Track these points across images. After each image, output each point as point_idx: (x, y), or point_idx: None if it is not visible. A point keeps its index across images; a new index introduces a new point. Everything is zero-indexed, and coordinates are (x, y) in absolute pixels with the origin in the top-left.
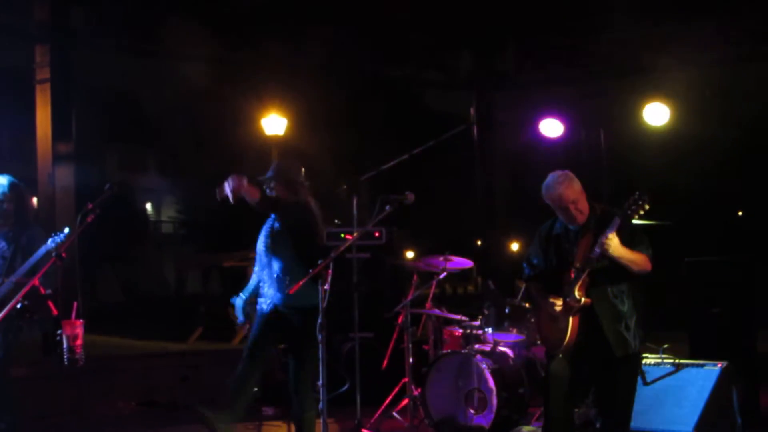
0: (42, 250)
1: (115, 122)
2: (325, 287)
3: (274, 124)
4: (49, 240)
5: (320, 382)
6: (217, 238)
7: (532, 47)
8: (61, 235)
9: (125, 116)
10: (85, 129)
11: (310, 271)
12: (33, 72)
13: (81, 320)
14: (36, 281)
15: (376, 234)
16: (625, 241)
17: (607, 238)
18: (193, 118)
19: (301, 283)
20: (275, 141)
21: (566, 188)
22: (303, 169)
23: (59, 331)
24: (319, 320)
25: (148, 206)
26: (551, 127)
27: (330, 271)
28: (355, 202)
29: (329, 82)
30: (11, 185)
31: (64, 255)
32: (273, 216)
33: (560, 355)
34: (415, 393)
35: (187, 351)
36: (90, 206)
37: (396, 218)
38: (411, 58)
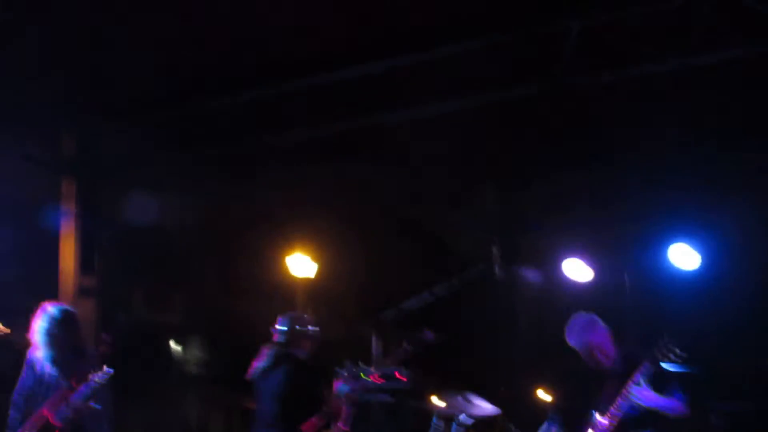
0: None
1: (141, 259)
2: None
3: (299, 264)
4: (92, 377)
5: None
6: (242, 379)
7: (557, 188)
8: (104, 374)
9: (152, 253)
10: (110, 264)
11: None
12: (59, 204)
13: None
14: (46, 412)
15: (400, 377)
16: (656, 386)
17: (635, 384)
18: (220, 256)
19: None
20: (301, 281)
21: (591, 332)
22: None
23: None
24: None
25: (173, 344)
26: (576, 269)
27: (348, 411)
28: (374, 341)
29: (356, 222)
30: (59, 313)
31: (75, 387)
32: None
33: None
34: None
35: None
36: (104, 337)
37: (422, 360)
38: (434, 198)
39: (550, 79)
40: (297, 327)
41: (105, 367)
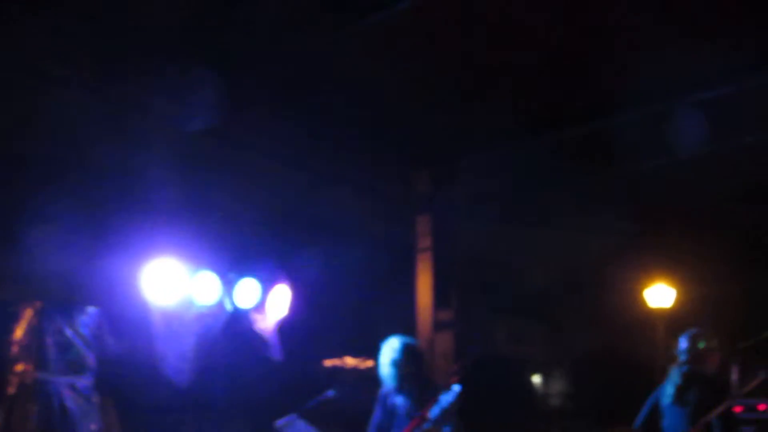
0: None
1: (500, 295)
2: None
3: (659, 295)
4: (441, 397)
5: None
6: (607, 412)
7: None
8: (453, 393)
9: (510, 289)
10: (468, 300)
11: None
12: (414, 242)
13: None
14: None
15: (760, 407)
16: None
17: None
18: (578, 290)
19: None
20: (660, 313)
21: None
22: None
23: None
24: None
25: (536, 379)
26: None
27: None
28: (733, 370)
29: (714, 250)
30: (404, 347)
31: (425, 415)
32: None
33: None
34: None
35: None
36: (455, 367)
37: None
38: None
39: None
40: (700, 344)
41: (453, 387)
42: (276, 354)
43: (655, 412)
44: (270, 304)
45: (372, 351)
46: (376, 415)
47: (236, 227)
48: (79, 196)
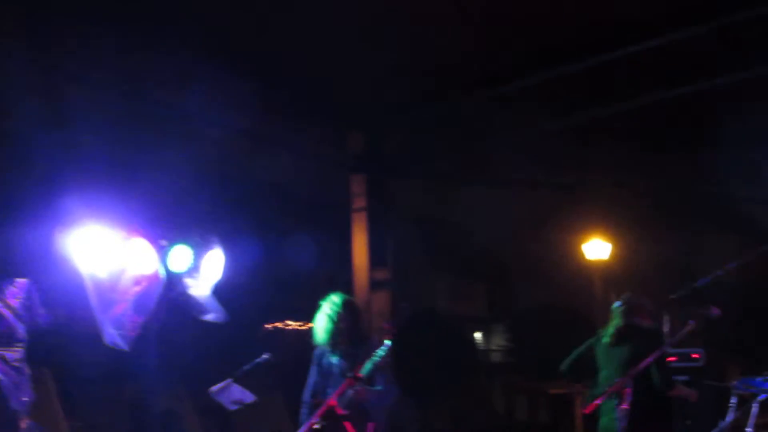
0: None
1: (439, 252)
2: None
3: (596, 249)
4: (375, 353)
5: None
6: (545, 366)
7: None
8: (383, 350)
9: (449, 246)
10: (407, 259)
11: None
12: (349, 202)
13: None
14: (333, 401)
15: (694, 356)
16: None
17: None
18: (517, 245)
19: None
20: (597, 266)
21: None
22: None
23: None
24: None
25: (477, 336)
26: None
27: (629, 390)
28: (665, 321)
29: (649, 203)
30: (342, 303)
31: (358, 375)
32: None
33: None
34: None
35: None
36: (385, 326)
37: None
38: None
39: None
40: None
41: (384, 343)
42: (212, 319)
43: (587, 360)
44: (204, 268)
45: (311, 313)
46: (312, 375)
47: (168, 192)
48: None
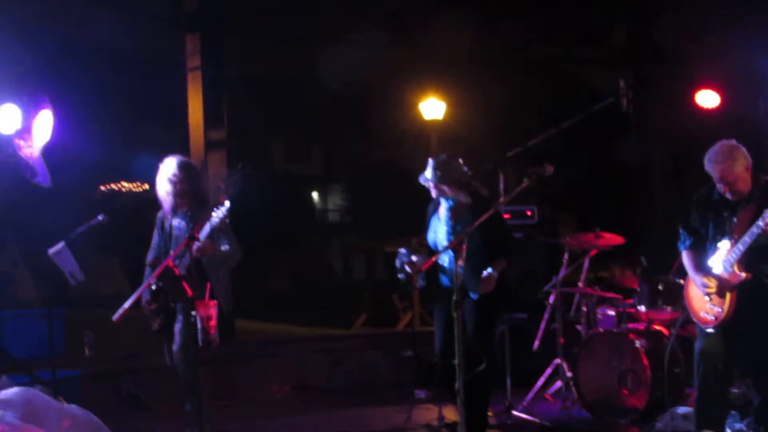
0: (208, 226)
1: (275, 112)
2: (460, 263)
3: (432, 108)
4: (213, 214)
5: (455, 361)
6: (382, 224)
7: (689, 19)
8: (222, 211)
9: (285, 106)
10: (244, 118)
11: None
12: (184, 60)
13: (214, 301)
14: (170, 262)
15: (528, 213)
16: None
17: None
18: (353, 105)
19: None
20: (433, 125)
21: (730, 163)
22: (461, 161)
23: (193, 313)
24: (455, 297)
25: (315, 195)
26: (708, 99)
27: (464, 246)
28: (501, 179)
29: (483, 63)
30: (180, 165)
31: (196, 236)
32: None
33: (713, 332)
34: (568, 374)
35: (342, 336)
36: (222, 186)
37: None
38: (563, 35)
39: None
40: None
41: (223, 203)
42: (44, 181)
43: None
44: (34, 129)
45: (147, 175)
46: (155, 238)
47: None
48: None
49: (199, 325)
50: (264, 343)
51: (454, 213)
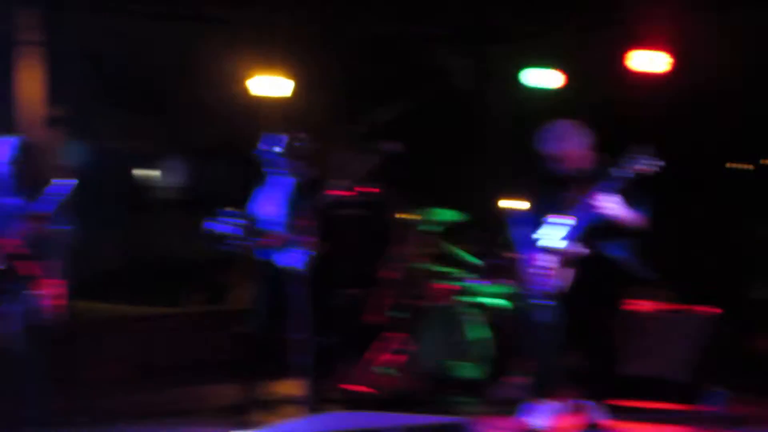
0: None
1: (110, 89)
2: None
3: (272, 84)
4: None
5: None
6: (217, 202)
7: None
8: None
9: (119, 82)
10: (78, 96)
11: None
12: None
13: (52, 280)
14: (3, 240)
15: (370, 191)
16: (622, 197)
17: (601, 193)
18: (190, 81)
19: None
20: (273, 102)
21: (566, 141)
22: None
23: (30, 292)
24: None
25: (147, 172)
26: (548, 78)
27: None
28: (342, 156)
29: (320, 40)
30: (20, 144)
31: (39, 215)
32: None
33: (548, 302)
34: (405, 347)
35: (176, 314)
36: (62, 165)
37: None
38: (401, 14)
39: None
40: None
41: (64, 181)
42: None
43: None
44: None
45: None
46: None
47: None
48: None
49: (35, 305)
50: (99, 322)
51: (294, 188)
